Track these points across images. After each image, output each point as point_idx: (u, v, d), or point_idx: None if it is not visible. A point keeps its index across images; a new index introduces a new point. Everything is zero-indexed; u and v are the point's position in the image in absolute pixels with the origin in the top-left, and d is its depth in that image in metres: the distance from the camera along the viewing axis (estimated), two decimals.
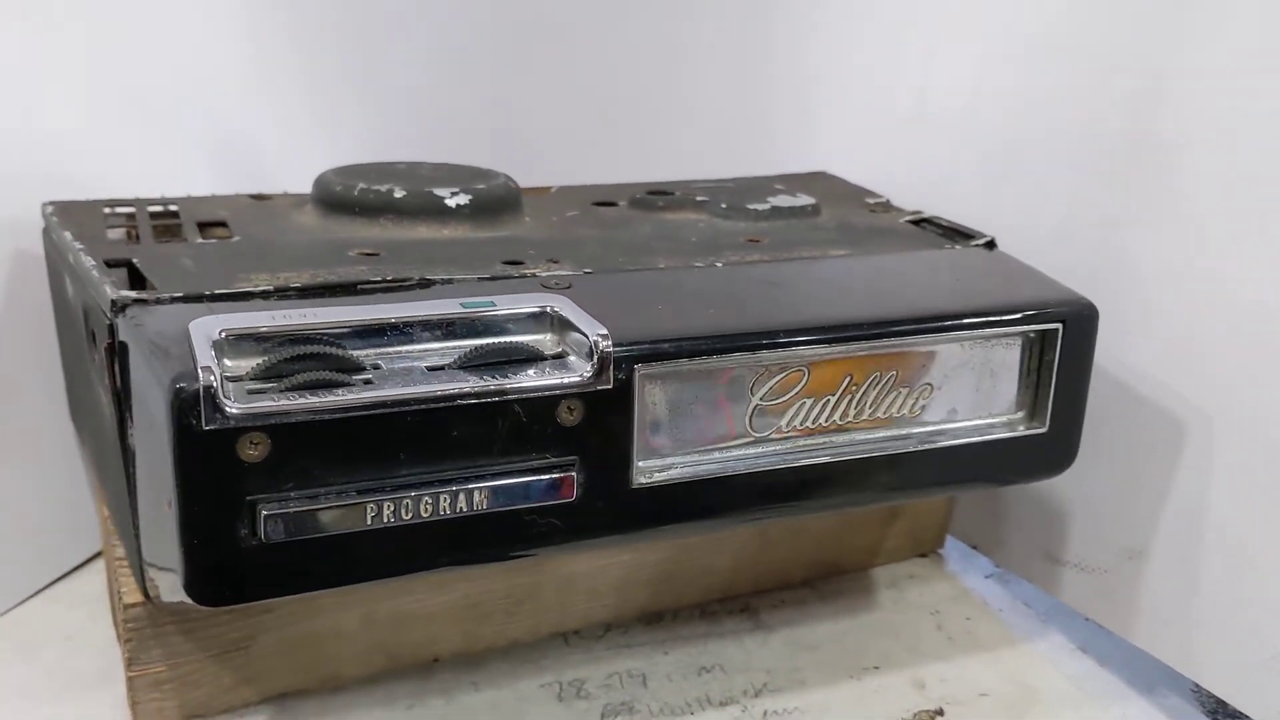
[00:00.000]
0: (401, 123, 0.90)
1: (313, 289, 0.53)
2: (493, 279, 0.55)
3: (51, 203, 0.66)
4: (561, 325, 0.50)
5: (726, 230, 0.68)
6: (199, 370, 0.43)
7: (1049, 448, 0.59)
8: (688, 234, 0.66)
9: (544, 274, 0.56)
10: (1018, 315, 0.56)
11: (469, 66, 0.92)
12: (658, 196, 0.73)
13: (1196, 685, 0.63)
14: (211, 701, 0.59)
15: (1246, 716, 0.59)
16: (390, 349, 0.48)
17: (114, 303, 0.50)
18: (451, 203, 0.65)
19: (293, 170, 0.76)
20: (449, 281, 0.55)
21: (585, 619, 0.68)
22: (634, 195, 0.74)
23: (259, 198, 0.71)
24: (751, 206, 0.71)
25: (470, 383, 0.46)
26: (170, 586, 0.47)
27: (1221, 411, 0.59)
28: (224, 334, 0.45)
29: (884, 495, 0.57)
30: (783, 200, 0.72)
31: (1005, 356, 0.58)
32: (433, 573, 0.49)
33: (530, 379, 0.47)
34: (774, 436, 0.53)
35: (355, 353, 0.47)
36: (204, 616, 0.57)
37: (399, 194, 0.64)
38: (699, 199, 0.72)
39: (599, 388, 0.48)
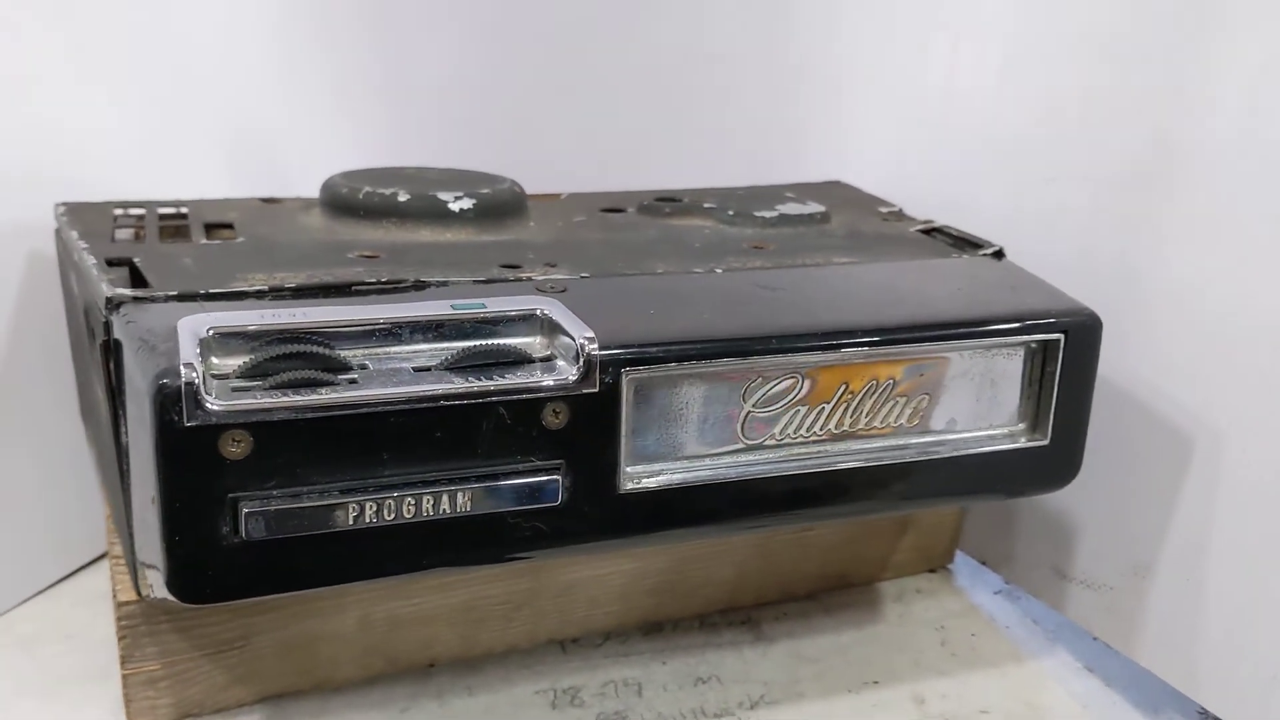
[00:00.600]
0: (425, 127, 0.91)
1: (307, 289, 0.53)
2: (488, 281, 0.55)
3: (64, 204, 0.67)
4: (551, 328, 0.49)
5: (732, 237, 0.67)
6: (181, 367, 0.43)
7: (1051, 460, 0.58)
8: (692, 240, 0.66)
9: (540, 277, 0.56)
10: (1017, 325, 0.55)
11: (492, 73, 0.92)
12: (665, 203, 0.73)
13: (1204, 709, 0.61)
14: (206, 700, 0.59)
15: None
16: (379, 350, 0.48)
17: (109, 300, 0.50)
18: (455, 207, 0.65)
19: (318, 174, 0.77)
20: (444, 284, 0.55)
21: (585, 627, 0.67)
22: (642, 201, 0.74)
23: (269, 201, 0.71)
24: (759, 213, 0.70)
25: (454, 384, 0.46)
26: (160, 584, 0.48)
27: (1231, 426, 0.57)
28: (211, 332, 0.45)
29: (881, 506, 0.57)
30: (791, 208, 0.72)
31: (1006, 367, 0.57)
32: (417, 575, 0.49)
33: (514, 380, 0.47)
34: (767, 444, 0.53)
35: (345, 353, 0.47)
36: (198, 615, 0.58)
37: (403, 197, 0.64)
38: (706, 205, 0.72)
39: (585, 391, 0.48)
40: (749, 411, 0.52)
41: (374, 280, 0.54)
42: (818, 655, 0.67)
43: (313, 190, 0.72)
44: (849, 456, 0.54)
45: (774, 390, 0.52)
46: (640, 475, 0.51)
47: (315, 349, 0.46)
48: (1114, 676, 0.65)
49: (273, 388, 0.44)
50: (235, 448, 0.44)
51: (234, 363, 0.46)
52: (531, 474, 0.48)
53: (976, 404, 0.57)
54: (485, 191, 0.66)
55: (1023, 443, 0.57)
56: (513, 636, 0.65)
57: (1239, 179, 0.57)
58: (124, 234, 0.64)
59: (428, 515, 0.47)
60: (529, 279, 0.56)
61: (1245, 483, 0.57)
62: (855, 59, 0.85)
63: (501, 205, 0.67)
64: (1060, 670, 0.66)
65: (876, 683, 0.64)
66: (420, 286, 0.54)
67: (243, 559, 0.45)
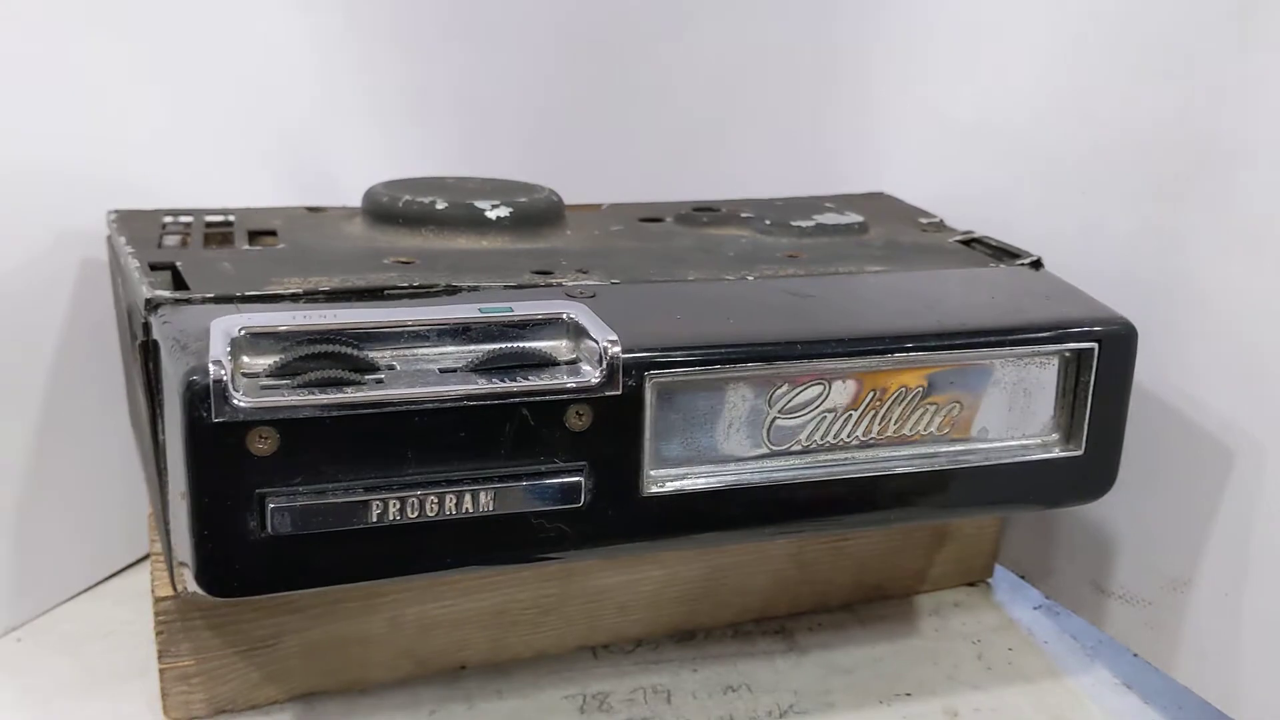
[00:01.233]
0: (479, 140, 0.92)
1: (341, 293, 0.54)
2: (519, 287, 0.56)
3: (115, 211, 0.69)
4: (576, 332, 0.50)
5: (767, 246, 0.67)
6: (210, 364, 0.44)
7: (1086, 471, 0.57)
8: (727, 249, 0.66)
9: (570, 283, 0.57)
10: (1049, 333, 0.55)
11: (539, 86, 0.93)
12: (702, 212, 0.73)
13: None
14: (238, 697, 0.60)
15: None
16: (407, 351, 0.49)
17: (148, 301, 0.52)
18: (492, 214, 0.65)
19: (367, 184, 0.78)
20: (475, 288, 0.55)
21: (615, 633, 0.67)
22: (680, 211, 0.74)
23: (314, 210, 0.72)
24: (796, 223, 0.70)
25: (477, 385, 0.47)
26: (191, 578, 0.49)
27: (1271, 438, 0.56)
28: (243, 332, 0.46)
29: (911, 515, 0.56)
30: (829, 218, 0.72)
31: (1040, 376, 0.56)
32: (442, 574, 0.49)
33: (537, 382, 0.47)
34: (793, 450, 0.53)
35: (373, 354, 0.48)
36: (232, 613, 0.59)
37: (440, 205, 0.65)
38: (744, 215, 0.72)
39: (608, 394, 0.48)
40: (775, 417, 0.52)
41: (406, 284, 0.55)
42: (851, 666, 0.66)
43: None
44: (877, 464, 0.54)
45: (800, 396, 0.52)
46: (664, 479, 0.51)
47: (343, 349, 0.47)
48: (1153, 694, 0.64)
49: (300, 386, 0.45)
50: (262, 444, 0.45)
51: (266, 362, 0.46)
52: (554, 475, 0.48)
53: (1010, 413, 0.56)
54: (522, 200, 0.67)
55: (1057, 453, 0.57)
56: (542, 641, 0.66)
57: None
58: (171, 240, 0.65)
59: (450, 514, 0.47)
60: (559, 285, 0.56)
61: None
62: (898, 70, 0.85)
63: (538, 214, 0.67)
64: (1098, 687, 0.65)
65: (909, 695, 0.64)
66: (452, 291, 0.55)
67: (269, 554, 0.46)
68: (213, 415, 0.44)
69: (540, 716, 0.61)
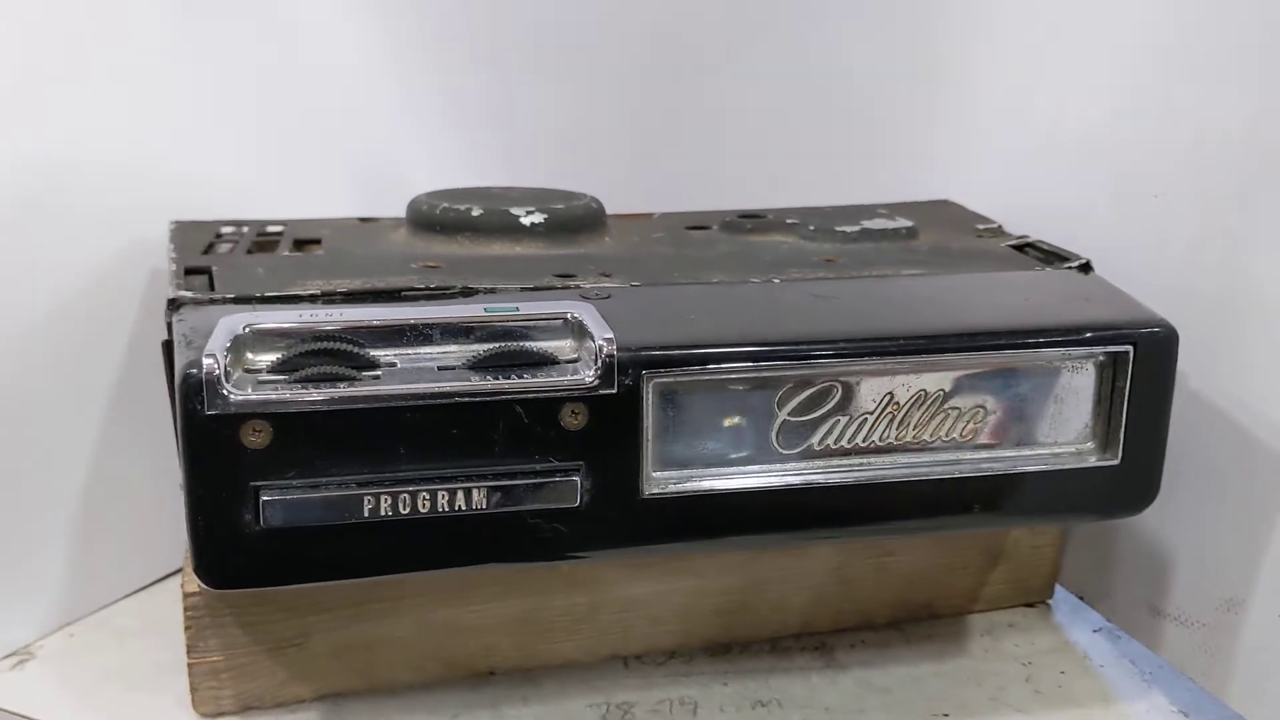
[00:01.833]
0: (538, 151, 0.93)
1: (358, 294, 0.55)
2: (536, 289, 0.56)
3: (176, 221, 0.71)
4: (580, 332, 0.49)
5: (808, 251, 0.66)
6: (204, 358, 0.45)
7: (1124, 482, 0.54)
8: (764, 254, 0.65)
9: (588, 285, 0.56)
10: (1078, 336, 0.52)
11: (607, 98, 0.94)
12: (748, 219, 0.72)
13: None
14: (266, 695, 0.61)
15: None
16: (410, 350, 0.49)
17: (171, 301, 0.53)
18: (526, 221, 0.66)
19: None
20: (492, 290, 0.55)
21: (647, 644, 0.66)
22: (725, 219, 0.73)
23: (365, 220, 0.74)
24: (840, 229, 0.68)
25: (470, 381, 0.47)
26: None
27: None
28: (247, 329, 0.47)
29: (931, 525, 0.54)
30: (876, 223, 0.70)
31: (1072, 380, 0.53)
32: (436, 572, 0.49)
33: (531, 380, 0.47)
34: (804, 454, 0.51)
35: (377, 353, 0.48)
36: (259, 611, 0.59)
37: (476, 212, 0.66)
38: (789, 221, 0.71)
39: (604, 392, 0.48)
40: (783, 420, 0.51)
41: (423, 286, 0.55)
42: (889, 685, 0.64)
43: None
44: (894, 470, 0.52)
45: (810, 398, 0.51)
46: (666, 481, 0.50)
47: (342, 346, 0.47)
48: None
49: (295, 381, 0.46)
50: (256, 437, 0.45)
51: (271, 358, 0.47)
52: (549, 474, 0.48)
53: (1040, 419, 0.54)
54: (558, 206, 0.67)
55: (1092, 462, 0.54)
56: (572, 650, 0.65)
57: None
58: (224, 248, 0.67)
59: (444, 511, 0.47)
60: (577, 287, 0.56)
61: None
62: (967, 77, 0.82)
63: (575, 220, 0.67)
64: (1152, 714, 0.61)
65: (946, 716, 0.61)
66: (468, 293, 0.55)
67: (264, 547, 0.46)
68: (205, 408, 0.44)
69: None
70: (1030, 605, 0.72)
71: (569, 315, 0.50)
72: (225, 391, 0.44)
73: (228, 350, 0.46)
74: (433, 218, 0.67)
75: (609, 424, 0.48)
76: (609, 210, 0.71)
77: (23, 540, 0.67)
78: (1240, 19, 0.60)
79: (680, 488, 0.50)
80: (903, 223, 0.70)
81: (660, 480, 0.50)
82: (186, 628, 0.59)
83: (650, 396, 0.48)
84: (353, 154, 0.86)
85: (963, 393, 0.52)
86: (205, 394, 0.44)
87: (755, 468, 0.51)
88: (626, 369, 0.48)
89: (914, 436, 0.52)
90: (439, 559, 0.48)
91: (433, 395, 0.46)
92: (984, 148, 0.81)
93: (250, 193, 0.78)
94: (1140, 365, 0.52)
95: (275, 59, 0.81)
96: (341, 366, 0.47)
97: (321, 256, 0.64)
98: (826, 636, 0.68)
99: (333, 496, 0.46)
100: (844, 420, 0.51)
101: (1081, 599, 0.71)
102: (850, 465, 0.52)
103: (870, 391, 0.51)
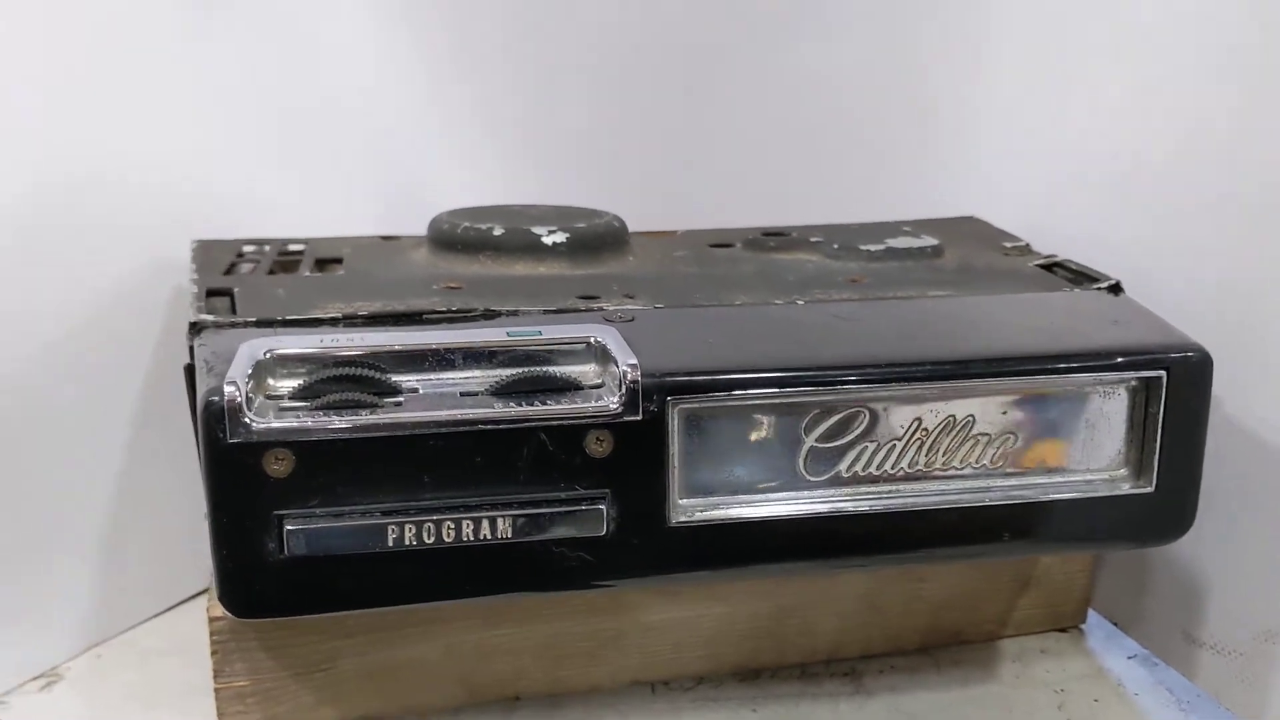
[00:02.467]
0: (574, 168, 0.92)
1: (380, 317, 0.54)
2: (559, 311, 0.55)
3: (198, 240, 0.71)
4: (604, 356, 0.49)
5: (832, 270, 0.65)
6: (225, 386, 0.44)
7: (1158, 509, 0.53)
8: (789, 274, 0.64)
9: (611, 307, 0.56)
10: (1109, 361, 0.51)
11: (634, 115, 0.93)
12: (771, 237, 0.71)
13: None
14: (292, 719, 0.61)
15: None
16: (433, 375, 0.49)
17: (192, 325, 0.53)
18: (548, 240, 0.65)
19: None
20: (514, 313, 0.55)
21: (674, 670, 0.65)
22: (749, 236, 0.72)
23: (387, 239, 0.74)
24: (865, 247, 0.68)
25: (493, 408, 0.46)
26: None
27: None
28: (269, 354, 0.47)
29: (961, 553, 0.53)
30: (901, 241, 0.69)
31: (1105, 406, 0.52)
32: (460, 601, 0.49)
33: (555, 407, 0.47)
34: (832, 481, 0.51)
35: (399, 378, 0.48)
36: (286, 635, 0.59)
37: (497, 232, 0.65)
38: (813, 240, 0.70)
39: (628, 419, 0.47)
40: (811, 446, 0.50)
41: (445, 309, 0.55)
42: (917, 711, 0.63)
43: None
44: (924, 497, 0.51)
45: (838, 424, 0.50)
46: (693, 508, 0.49)
47: (364, 372, 0.47)
48: None
49: (318, 408, 0.46)
50: (278, 465, 0.45)
51: (293, 385, 0.47)
52: (575, 502, 0.47)
53: (1071, 446, 0.53)
54: (580, 225, 0.67)
55: (1126, 489, 0.53)
56: (599, 675, 0.64)
57: None
58: (245, 268, 0.67)
59: (469, 540, 0.47)
60: (600, 309, 0.56)
61: None
62: (993, 93, 0.82)
63: (598, 239, 0.67)
64: None
65: None
66: (490, 316, 0.55)
67: (288, 575, 0.46)
68: (228, 436, 0.44)
69: None
70: (1063, 630, 0.71)
71: (592, 339, 0.49)
72: (247, 420, 0.44)
73: (249, 377, 0.45)
74: (454, 237, 0.67)
75: (634, 451, 0.47)
76: (632, 225, 0.71)
77: (49, 562, 0.67)
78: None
79: (707, 515, 0.49)
80: (928, 241, 0.69)
81: (687, 508, 0.49)
82: (213, 652, 0.59)
83: (676, 423, 0.48)
84: (377, 170, 0.86)
85: (992, 418, 0.51)
86: (227, 422, 0.44)
87: (783, 495, 0.50)
88: (651, 395, 0.47)
89: (943, 463, 0.51)
90: (463, 588, 0.48)
91: (456, 423, 0.46)
92: (1011, 163, 0.80)
93: (275, 209, 0.78)
94: (1174, 390, 0.51)
95: (299, 75, 0.81)
96: (364, 393, 0.47)
97: (343, 277, 0.63)
98: (856, 662, 0.68)
99: (356, 525, 0.46)
100: (872, 447, 0.51)
101: (1115, 624, 0.70)
102: (879, 492, 0.51)
103: (898, 417, 0.50)
